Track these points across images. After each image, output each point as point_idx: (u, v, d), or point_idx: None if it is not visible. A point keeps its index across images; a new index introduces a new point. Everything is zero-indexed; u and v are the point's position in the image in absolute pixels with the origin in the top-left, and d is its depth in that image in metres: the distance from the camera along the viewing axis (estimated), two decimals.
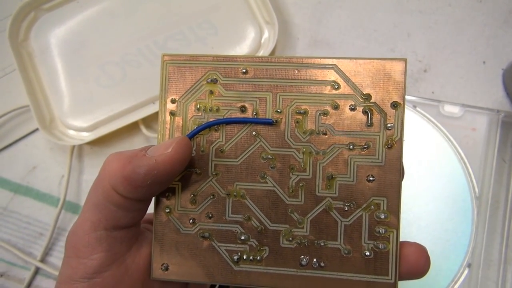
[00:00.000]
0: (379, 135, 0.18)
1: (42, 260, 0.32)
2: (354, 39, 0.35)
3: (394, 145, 0.17)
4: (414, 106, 0.31)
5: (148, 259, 0.19)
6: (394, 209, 0.17)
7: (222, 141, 0.18)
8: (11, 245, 0.32)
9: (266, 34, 0.34)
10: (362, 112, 0.18)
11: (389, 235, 0.17)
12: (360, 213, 0.18)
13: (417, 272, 0.17)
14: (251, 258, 0.18)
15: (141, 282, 0.18)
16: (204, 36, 0.34)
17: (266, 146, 0.18)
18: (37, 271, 0.32)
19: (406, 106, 0.31)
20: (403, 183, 0.18)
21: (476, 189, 0.30)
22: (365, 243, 0.17)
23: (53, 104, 0.33)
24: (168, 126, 0.19)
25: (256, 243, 0.18)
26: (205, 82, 0.18)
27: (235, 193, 0.18)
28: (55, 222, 0.32)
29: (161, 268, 0.18)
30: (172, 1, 0.35)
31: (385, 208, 0.17)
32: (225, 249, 0.18)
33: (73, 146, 0.33)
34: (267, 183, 0.18)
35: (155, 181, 0.17)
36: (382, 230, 0.17)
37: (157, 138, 0.19)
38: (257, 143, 0.18)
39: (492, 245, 0.29)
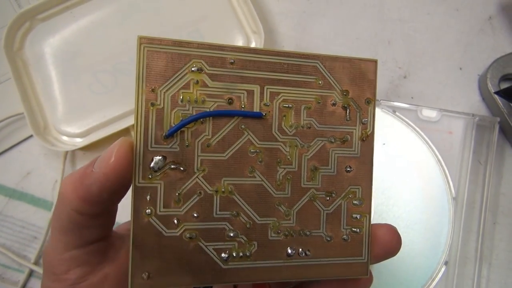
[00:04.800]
0: (355, 129, 0.19)
1: (36, 263, 0.33)
2: (337, 47, 0.36)
3: (368, 138, 0.19)
4: (394, 111, 0.33)
5: (127, 261, 0.17)
6: (367, 195, 0.19)
7: (208, 135, 0.17)
8: (6, 248, 0.33)
9: (253, 43, 0.36)
10: (342, 107, 0.19)
11: (363, 220, 0.19)
12: (340, 202, 0.19)
13: (391, 250, 0.19)
14: (240, 254, 0.17)
15: (122, 285, 0.18)
16: None
17: (254, 140, 0.18)
18: (31, 273, 0.33)
19: (386, 111, 0.33)
20: (383, 185, 0.19)
21: (453, 190, 0.31)
22: (343, 228, 0.19)
23: (47, 111, 0.34)
24: (149, 119, 0.16)
25: (245, 238, 0.18)
26: (189, 71, 0.17)
27: (223, 189, 0.17)
28: (48, 226, 0.33)
29: (143, 277, 0.16)
30: (162, 11, 0.36)
31: (360, 196, 0.19)
32: (213, 248, 0.17)
33: (66, 152, 0.34)
34: (255, 177, 0.18)
35: (110, 193, 0.16)
36: (357, 216, 0.19)
37: (133, 135, 0.16)
38: (245, 137, 0.18)
39: (468, 244, 0.30)
